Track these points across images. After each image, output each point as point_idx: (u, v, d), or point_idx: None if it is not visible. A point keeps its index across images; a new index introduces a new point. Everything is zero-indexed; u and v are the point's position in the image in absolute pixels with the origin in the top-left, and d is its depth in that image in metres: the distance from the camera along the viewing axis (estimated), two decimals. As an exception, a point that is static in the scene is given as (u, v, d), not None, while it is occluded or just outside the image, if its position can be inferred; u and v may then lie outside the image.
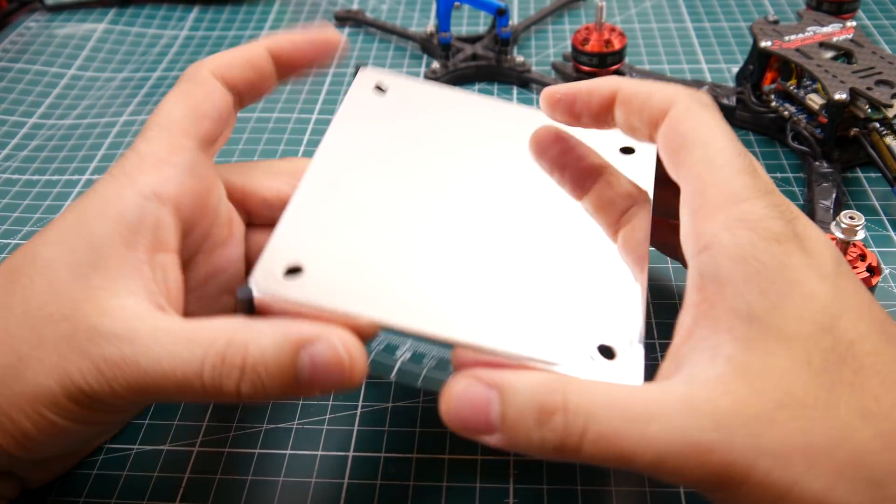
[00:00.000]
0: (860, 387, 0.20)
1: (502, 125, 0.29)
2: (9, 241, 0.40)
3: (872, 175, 0.40)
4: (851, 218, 0.29)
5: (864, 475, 0.20)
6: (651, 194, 0.28)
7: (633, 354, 0.23)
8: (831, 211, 0.36)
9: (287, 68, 0.29)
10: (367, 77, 0.30)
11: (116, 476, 0.28)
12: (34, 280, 0.24)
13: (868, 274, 0.30)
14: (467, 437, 0.22)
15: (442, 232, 0.25)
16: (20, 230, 0.41)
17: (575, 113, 0.28)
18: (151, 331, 0.22)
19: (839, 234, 0.30)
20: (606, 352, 0.23)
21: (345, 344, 0.22)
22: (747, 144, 0.43)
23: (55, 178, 0.45)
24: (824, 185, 0.37)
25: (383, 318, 0.22)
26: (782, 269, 0.22)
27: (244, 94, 0.29)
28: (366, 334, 0.23)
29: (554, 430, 0.20)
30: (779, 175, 0.41)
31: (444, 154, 0.28)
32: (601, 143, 0.29)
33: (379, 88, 0.30)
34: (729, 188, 0.23)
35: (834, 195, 0.37)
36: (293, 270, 0.23)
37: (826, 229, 0.34)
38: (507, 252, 0.25)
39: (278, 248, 0.24)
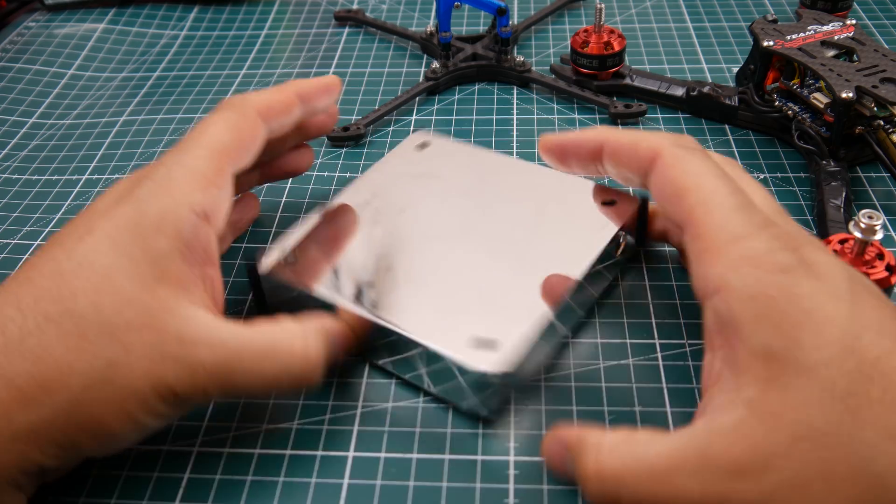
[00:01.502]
0: (890, 404, 0.20)
1: (507, 177, 0.35)
2: (9, 241, 0.40)
3: (873, 174, 0.40)
4: (870, 217, 0.29)
5: (890, 498, 0.19)
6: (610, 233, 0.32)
7: (509, 349, 0.27)
8: (842, 210, 0.36)
9: (306, 110, 0.33)
10: (417, 136, 0.38)
11: (116, 476, 0.28)
12: (96, 286, 0.24)
13: (887, 273, 0.30)
14: None
15: (414, 249, 0.32)
16: (20, 230, 0.41)
17: (566, 161, 0.31)
18: (234, 337, 0.25)
19: (858, 234, 0.29)
20: (490, 344, 0.27)
21: (346, 327, 0.29)
22: (747, 144, 0.43)
23: (55, 178, 0.45)
24: (833, 184, 0.37)
25: (333, 299, 0.30)
26: (793, 300, 0.22)
27: (271, 133, 0.31)
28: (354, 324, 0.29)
29: (594, 494, 0.23)
30: (779, 175, 0.41)
31: (447, 194, 0.34)
32: (586, 193, 0.34)
33: (423, 145, 0.37)
34: (727, 228, 0.24)
35: (844, 194, 0.36)
36: (288, 262, 0.31)
37: (840, 229, 0.34)
38: (458, 274, 0.30)
39: (281, 246, 0.32)
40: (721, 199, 0.24)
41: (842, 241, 0.31)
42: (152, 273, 0.25)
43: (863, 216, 0.29)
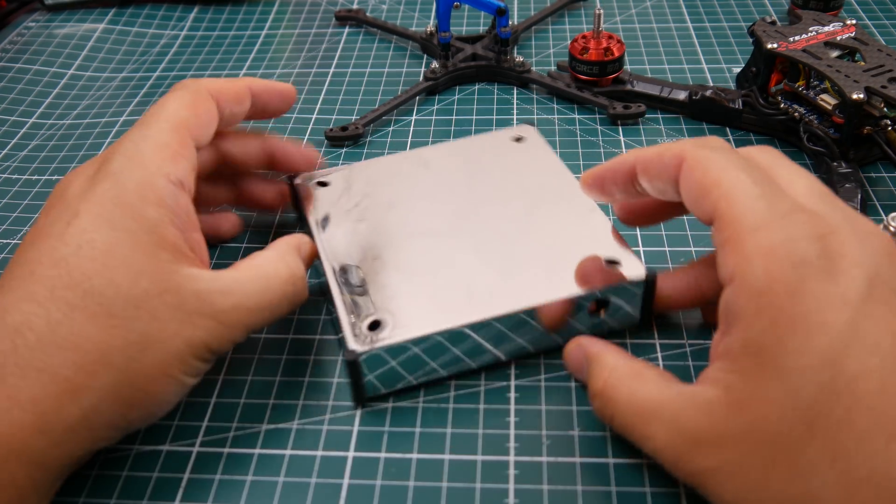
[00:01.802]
0: (846, 426, 0.20)
1: (552, 194, 0.35)
2: (8, 240, 0.40)
3: (873, 175, 0.40)
4: None
5: None
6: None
7: (386, 338, 0.28)
8: (858, 211, 0.35)
9: (256, 107, 0.34)
10: (519, 129, 0.39)
11: (116, 476, 0.28)
12: (105, 263, 0.25)
13: None
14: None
15: (414, 230, 0.33)
16: (20, 230, 0.41)
17: (607, 191, 0.30)
18: (237, 282, 0.27)
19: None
20: (377, 327, 0.29)
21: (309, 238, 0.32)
22: (748, 145, 0.43)
23: (55, 178, 0.45)
24: (847, 185, 0.37)
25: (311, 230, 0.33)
26: (795, 298, 0.21)
27: (222, 120, 0.32)
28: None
29: (595, 408, 0.27)
30: (779, 175, 0.41)
31: (475, 189, 0.35)
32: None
33: (519, 139, 0.38)
34: (746, 218, 0.23)
35: (859, 195, 0.36)
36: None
37: None
38: (508, 242, 0.32)
39: (319, 173, 0.37)
40: (743, 190, 0.24)
41: None
42: (151, 240, 0.26)
43: (893, 219, 0.28)
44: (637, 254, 0.32)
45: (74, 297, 0.24)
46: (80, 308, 0.24)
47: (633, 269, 0.30)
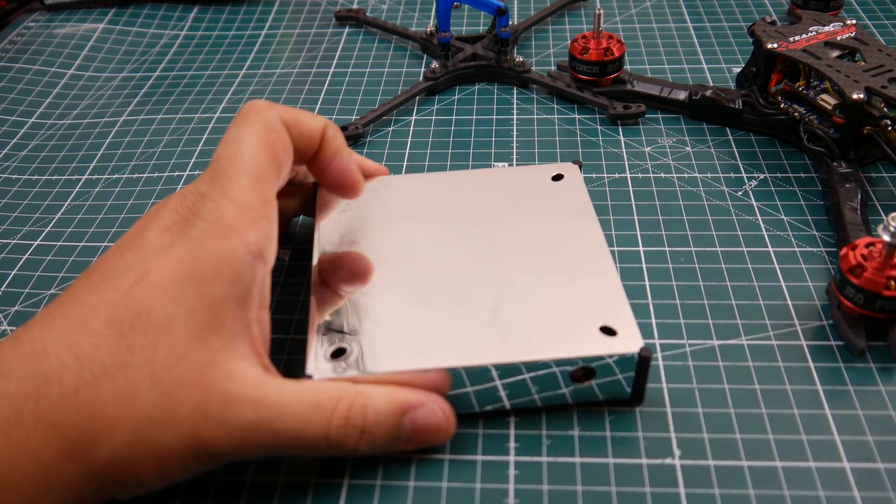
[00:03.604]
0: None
1: (571, 241, 0.32)
2: (9, 241, 0.40)
3: (873, 175, 0.40)
4: None
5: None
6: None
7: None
8: (859, 212, 0.35)
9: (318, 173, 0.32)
10: (564, 167, 0.37)
11: (116, 476, 0.28)
12: (153, 340, 0.24)
13: None
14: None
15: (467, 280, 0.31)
16: (20, 230, 0.41)
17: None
18: (279, 395, 0.25)
19: (887, 238, 0.29)
20: (341, 353, 0.28)
21: (441, 408, 0.27)
22: (748, 144, 0.43)
23: (54, 177, 0.45)
24: (847, 185, 0.37)
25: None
26: None
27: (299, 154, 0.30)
28: (442, 390, 0.27)
29: None
30: (779, 175, 0.41)
31: (487, 231, 0.33)
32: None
33: (558, 178, 0.36)
34: None
35: (859, 196, 0.36)
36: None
37: (860, 232, 0.34)
38: (507, 287, 0.30)
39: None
40: None
41: (868, 245, 0.31)
42: (207, 323, 0.24)
43: (893, 219, 0.28)
44: (643, 326, 0.32)
45: (111, 365, 0.23)
46: (110, 377, 0.23)
47: (627, 342, 0.27)
